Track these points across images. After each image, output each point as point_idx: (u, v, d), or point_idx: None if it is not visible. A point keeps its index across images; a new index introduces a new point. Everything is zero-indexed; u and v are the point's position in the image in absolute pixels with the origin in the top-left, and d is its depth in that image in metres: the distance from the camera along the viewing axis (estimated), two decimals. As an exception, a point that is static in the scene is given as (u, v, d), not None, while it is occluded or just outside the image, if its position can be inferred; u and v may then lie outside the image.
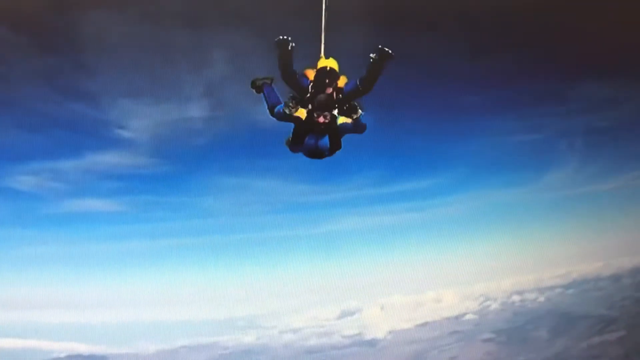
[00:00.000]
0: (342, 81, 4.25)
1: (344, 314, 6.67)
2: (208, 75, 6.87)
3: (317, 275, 6.26)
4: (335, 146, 4.05)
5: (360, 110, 4.08)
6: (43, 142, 7.04)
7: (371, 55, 3.99)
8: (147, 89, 6.88)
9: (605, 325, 7.89)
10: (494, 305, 7.64)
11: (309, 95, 4.13)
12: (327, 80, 4.13)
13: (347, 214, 6.72)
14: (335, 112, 4.06)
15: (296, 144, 4.12)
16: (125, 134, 7.07)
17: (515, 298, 7.70)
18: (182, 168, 7.00)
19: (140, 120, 7.08)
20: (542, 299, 7.84)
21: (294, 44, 4.08)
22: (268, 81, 4.25)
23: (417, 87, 6.76)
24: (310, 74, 4.24)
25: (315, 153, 4.08)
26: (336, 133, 4.03)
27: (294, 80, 4.16)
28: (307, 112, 4.02)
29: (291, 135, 4.15)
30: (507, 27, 6.90)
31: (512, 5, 6.70)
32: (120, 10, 6.46)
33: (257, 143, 6.69)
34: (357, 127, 4.09)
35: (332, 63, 4.26)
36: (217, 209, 6.79)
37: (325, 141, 4.00)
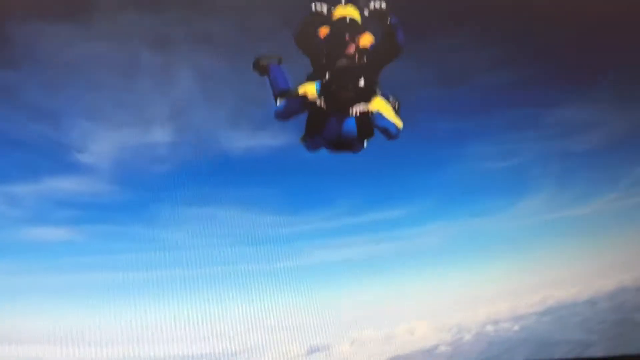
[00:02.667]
0: (366, 39, 3.49)
1: (312, 350, 6.43)
2: (174, 98, 6.63)
3: (285, 310, 6.01)
4: (365, 132, 3.28)
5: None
6: (-3, 163, 6.70)
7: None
8: (109, 111, 6.63)
9: (584, 349, 7.79)
10: (468, 336, 7.49)
11: (324, 62, 3.31)
12: (347, 36, 3.36)
13: (316, 246, 6.54)
14: (362, 83, 3.19)
15: (313, 135, 3.32)
16: (85, 158, 6.77)
17: (490, 328, 7.56)
18: (144, 196, 6.72)
19: (101, 143, 6.79)
20: (517, 327, 7.72)
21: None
22: (275, 60, 3.44)
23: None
24: (325, 32, 3.48)
25: (340, 143, 3.30)
26: (374, 123, 3.22)
27: (311, 41, 3.36)
28: (322, 87, 3.18)
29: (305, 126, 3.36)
30: (479, 51, 6.84)
31: (483, 31, 6.64)
32: (84, 26, 6.20)
33: (225, 171, 6.47)
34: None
35: (352, 12, 3.42)
36: (181, 241, 6.51)
37: (350, 124, 3.20)
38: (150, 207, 6.67)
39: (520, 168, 7.45)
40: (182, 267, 6.25)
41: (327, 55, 3.35)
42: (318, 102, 3.17)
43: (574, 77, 7.27)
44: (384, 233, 6.95)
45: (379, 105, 3.26)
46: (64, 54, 6.33)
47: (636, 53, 6.71)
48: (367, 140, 3.56)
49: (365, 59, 3.39)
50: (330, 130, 3.25)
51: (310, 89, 3.20)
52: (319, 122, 3.25)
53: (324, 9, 3.34)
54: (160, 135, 6.72)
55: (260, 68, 3.47)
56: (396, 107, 3.38)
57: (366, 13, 3.32)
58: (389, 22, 3.28)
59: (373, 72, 3.37)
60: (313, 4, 3.34)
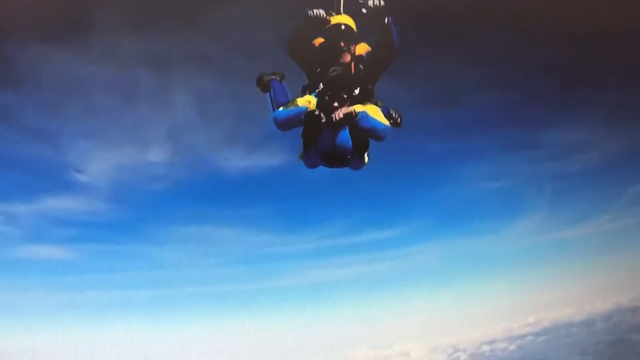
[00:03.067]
0: (362, 48, 3.30)
1: (306, 371, 6.38)
2: (171, 118, 6.70)
3: (279, 330, 6.00)
4: (360, 144, 3.05)
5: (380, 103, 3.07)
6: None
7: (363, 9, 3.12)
8: (107, 132, 6.67)
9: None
10: (464, 357, 7.45)
11: (319, 71, 3.15)
12: (342, 44, 3.16)
13: (312, 265, 6.53)
14: (357, 92, 3.03)
15: (309, 149, 3.11)
16: (82, 178, 6.83)
17: (485, 348, 7.52)
18: (140, 215, 6.77)
19: (98, 163, 6.86)
20: (512, 347, 7.68)
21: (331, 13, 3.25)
22: (277, 77, 3.33)
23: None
24: (319, 42, 3.31)
25: (335, 155, 3.10)
26: (359, 125, 2.99)
27: (305, 49, 3.20)
28: (318, 97, 3.00)
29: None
30: (474, 73, 6.90)
31: (479, 52, 6.71)
32: (84, 49, 6.27)
33: (221, 190, 6.51)
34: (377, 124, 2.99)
35: (348, 20, 3.29)
36: (177, 260, 6.53)
37: (344, 136, 3.00)
38: (146, 226, 6.71)
39: (515, 189, 7.51)
40: (178, 285, 6.28)
41: (322, 64, 3.19)
42: (317, 113, 3.02)
43: (568, 99, 7.33)
44: (379, 253, 6.98)
45: (366, 107, 3.07)
46: (64, 75, 6.39)
47: (629, 76, 6.79)
48: (368, 155, 3.31)
49: (361, 68, 3.22)
50: (325, 142, 3.08)
51: (312, 100, 3.05)
52: (314, 133, 3.09)
53: (322, 13, 3.21)
54: (158, 155, 6.79)
55: (263, 84, 3.35)
56: (398, 120, 3.28)
57: (364, 10, 3.15)
58: (386, 21, 3.10)
59: (369, 80, 3.23)
60: (310, 10, 3.22)
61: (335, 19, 3.27)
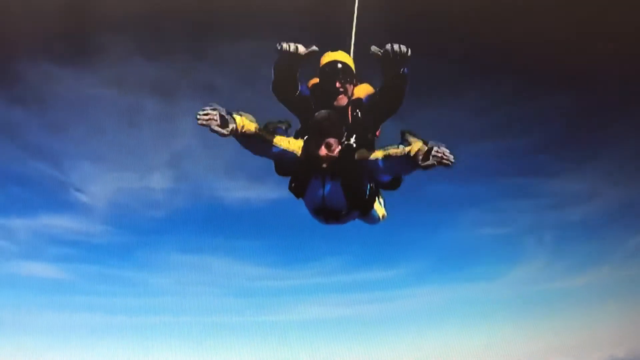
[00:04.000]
0: (362, 90, 2.93)
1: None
2: (174, 146, 6.72)
3: (270, 364, 5.91)
4: (356, 199, 2.69)
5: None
6: (-4, 196, 6.77)
7: (377, 50, 2.58)
8: (110, 155, 6.70)
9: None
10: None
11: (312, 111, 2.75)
12: (337, 83, 2.78)
13: (307, 302, 6.46)
14: (353, 140, 2.71)
15: (298, 194, 2.80)
16: (82, 198, 6.84)
17: (479, 394, 7.39)
18: (136, 240, 6.75)
19: (99, 185, 6.87)
20: (506, 396, 7.54)
21: (313, 49, 2.78)
22: (283, 126, 3.01)
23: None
24: (314, 82, 2.97)
25: (325, 212, 2.75)
26: (355, 175, 2.65)
27: (291, 91, 2.82)
28: (305, 141, 2.67)
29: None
30: (478, 118, 6.95)
31: (483, 98, 6.77)
32: (92, 71, 6.35)
33: (220, 220, 6.48)
34: (390, 170, 2.64)
35: (344, 57, 2.92)
36: (170, 288, 6.49)
37: (335, 189, 2.65)
38: (142, 251, 6.69)
39: (515, 236, 7.46)
40: (169, 313, 6.22)
41: (316, 107, 2.79)
42: (299, 158, 2.65)
43: (570, 148, 7.36)
44: (376, 293, 6.90)
45: (362, 155, 2.65)
46: (72, 96, 6.46)
47: (633, 129, 6.81)
48: (382, 205, 3.06)
49: (359, 113, 2.84)
50: (314, 196, 2.73)
51: (296, 145, 2.69)
52: (303, 181, 2.76)
53: (291, 48, 2.73)
54: (158, 181, 6.80)
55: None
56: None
57: (378, 51, 2.66)
58: (402, 72, 2.68)
59: (368, 128, 2.84)
60: (279, 44, 2.75)
61: (330, 56, 2.89)
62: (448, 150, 2.34)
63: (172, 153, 6.69)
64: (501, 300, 7.38)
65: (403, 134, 3.04)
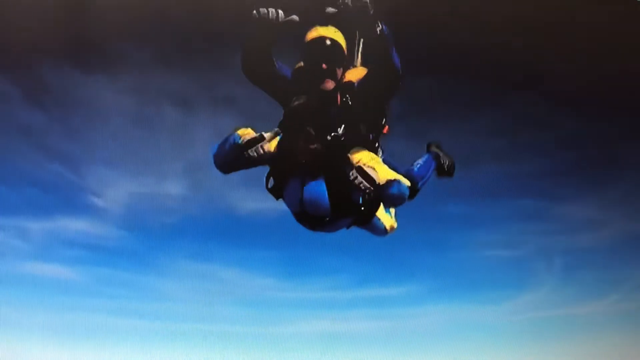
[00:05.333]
0: (355, 73, 2.47)
1: None
2: (190, 155, 6.82)
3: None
4: (344, 204, 2.24)
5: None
6: (14, 197, 6.90)
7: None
8: (127, 160, 6.82)
9: None
10: None
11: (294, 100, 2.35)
12: (323, 64, 2.30)
13: (314, 315, 6.47)
14: (341, 130, 2.24)
15: (275, 194, 2.42)
16: (98, 202, 6.94)
17: (481, 421, 7.31)
18: (149, 245, 6.82)
19: (115, 190, 6.97)
20: None
21: (293, 17, 2.26)
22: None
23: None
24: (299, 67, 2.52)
25: (308, 217, 2.35)
26: (341, 174, 2.16)
27: (268, 67, 2.36)
28: (283, 136, 2.26)
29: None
30: (490, 139, 6.98)
31: (495, 120, 6.82)
32: (114, 79, 6.51)
33: (231, 230, 6.54)
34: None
35: (336, 35, 2.38)
36: (179, 294, 6.53)
37: (316, 190, 2.21)
38: (154, 256, 6.75)
39: (523, 260, 7.43)
40: (176, 320, 6.25)
41: (298, 91, 2.37)
42: (273, 153, 2.20)
43: (583, 174, 7.36)
44: (382, 310, 6.88)
45: (365, 157, 2.16)
46: (92, 102, 6.60)
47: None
48: (392, 215, 2.63)
49: (349, 99, 2.34)
50: (292, 198, 2.34)
51: (270, 141, 2.22)
52: (281, 180, 2.34)
53: (271, 14, 2.21)
54: (173, 188, 6.89)
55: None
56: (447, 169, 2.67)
57: (330, 10, 2.16)
58: (378, 29, 2.11)
59: (360, 117, 2.34)
60: (256, 11, 2.22)
61: (318, 31, 2.37)
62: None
63: (188, 162, 6.79)
64: (508, 324, 7.34)
65: (429, 147, 2.96)
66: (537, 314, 7.45)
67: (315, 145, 2.21)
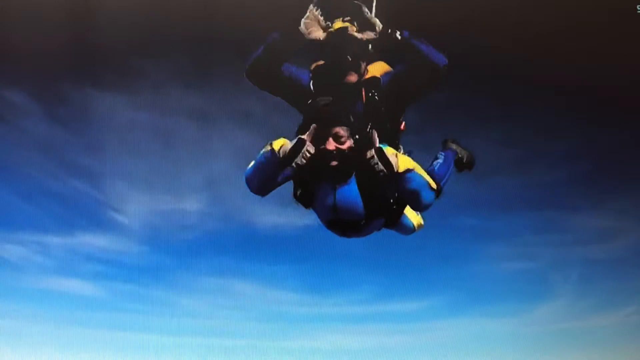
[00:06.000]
0: (378, 68, 2.39)
1: None
2: (209, 170, 6.88)
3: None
4: (377, 205, 2.17)
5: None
6: (35, 213, 6.99)
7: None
8: (147, 176, 6.88)
9: None
10: None
11: (310, 102, 2.26)
12: (348, 56, 2.22)
13: (333, 329, 6.45)
14: (369, 129, 2.18)
15: (305, 203, 2.31)
16: (119, 217, 7.01)
17: None
18: (168, 261, 6.85)
19: (135, 205, 7.04)
20: None
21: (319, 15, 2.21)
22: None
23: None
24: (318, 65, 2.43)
25: (341, 223, 2.27)
26: (375, 174, 2.04)
27: (275, 71, 2.27)
28: (310, 136, 2.10)
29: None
30: (506, 150, 6.98)
31: (510, 131, 6.82)
32: (135, 95, 6.60)
33: (250, 245, 6.55)
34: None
35: (353, 28, 2.32)
36: (199, 310, 6.57)
37: (349, 193, 2.14)
38: (174, 272, 6.78)
39: (539, 272, 7.41)
40: (197, 335, 6.27)
41: (317, 91, 2.25)
42: (300, 162, 2.06)
43: (598, 184, 7.35)
44: (400, 325, 6.87)
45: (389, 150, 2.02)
46: (112, 117, 6.69)
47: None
48: (392, 222, 2.45)
49: (375, 95, 2.26)
50: (324, 204, 2.21)
51: (284, 142, 2.11)
52: (310, 185, 2.22)
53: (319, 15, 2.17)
54: (192, 204, 6.94)
55: None
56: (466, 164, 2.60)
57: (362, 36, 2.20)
58: (399, 36, 2.12)
59: (388, 116, 2.26)
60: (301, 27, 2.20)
61: (340, 25, 2.30)
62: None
63: (206, 177, 6.85)
64: (525, 337, 7.31)
65: (445, 143, 2.90)
66: (554, 326, 7.43)
67: (346, 146, 2.12)
